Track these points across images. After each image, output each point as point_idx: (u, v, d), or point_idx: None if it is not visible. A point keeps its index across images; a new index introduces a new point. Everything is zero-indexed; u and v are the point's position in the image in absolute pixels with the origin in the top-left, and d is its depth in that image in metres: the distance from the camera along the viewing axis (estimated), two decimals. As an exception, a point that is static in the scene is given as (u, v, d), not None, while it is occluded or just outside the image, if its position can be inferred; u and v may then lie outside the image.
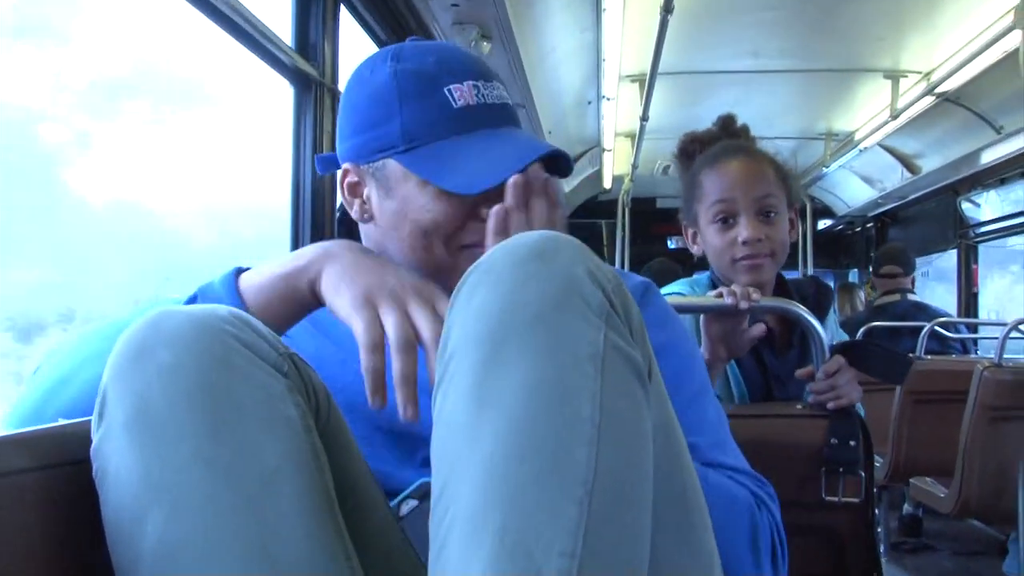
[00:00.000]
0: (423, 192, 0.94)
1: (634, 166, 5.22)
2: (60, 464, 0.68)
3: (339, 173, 1.02)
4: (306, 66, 1.98)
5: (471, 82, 0.96)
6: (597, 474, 0.60)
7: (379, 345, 0.75)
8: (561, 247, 0.68)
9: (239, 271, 0.86)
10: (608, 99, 4.01)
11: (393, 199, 0.96)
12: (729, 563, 0.80)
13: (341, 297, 0.79)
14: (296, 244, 2.01)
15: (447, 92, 0.94)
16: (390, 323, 0.76)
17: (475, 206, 0.93)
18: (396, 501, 0.87)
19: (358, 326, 0.76)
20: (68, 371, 0.82)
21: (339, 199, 1.05)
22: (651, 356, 0.71)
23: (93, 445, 0.66)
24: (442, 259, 0.95)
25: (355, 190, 1.00)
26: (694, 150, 1.75)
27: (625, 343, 0.67)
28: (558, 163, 0.98)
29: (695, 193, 1.59)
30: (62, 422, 0.76)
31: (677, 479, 0.71)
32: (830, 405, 1.36)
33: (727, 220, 1.53)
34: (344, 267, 0.81)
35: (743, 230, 1.50)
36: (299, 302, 0.84)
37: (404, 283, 0.79)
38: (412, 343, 0.75)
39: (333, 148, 2.03)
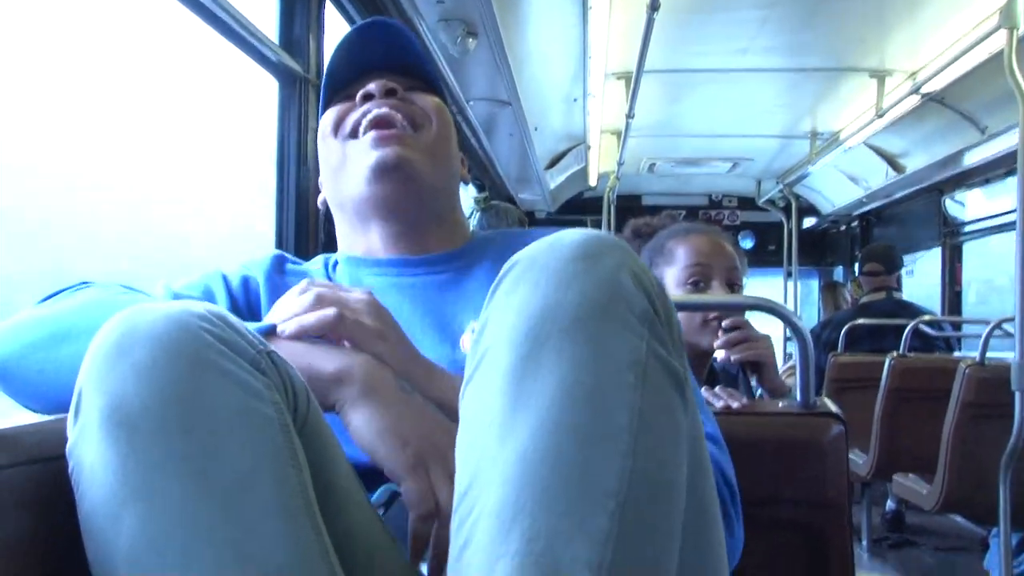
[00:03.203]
0: (326, 112, 1.13)
1: (620, 163, 5.22)
2: (36, 461, 0.68)
3: None
4: (291, 62, 1.97)
5: (370, 23, 1.11)
6: (631, 486, 0.59)
7: (433, 514, 0.75)
8: (606, 248, 0.67)
9: None
10: (594, 96, 4.00)
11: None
12: None
13: (387, 447, 0.77)
14: (280, 240, 2.01)
15: (348, 36, 1.12)
16: (444, 493, 0.74)
17: (351, 99, 1.10)
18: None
19: (413, 493, 0.75)
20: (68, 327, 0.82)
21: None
22: (687, 364, 0.70)
23: (69, 443, 0.65)
24: (337, 153, 1.10)
25: None
26: (647, 232, 2.01)
27: (666, 352, 0.66)
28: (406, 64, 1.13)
29: (664, 259, 1.75)
30: (40, 419, 0.76)
31: (699, 488, 0.70)
32: (735, 357, 1.53)
33: (698, 283, 1.69)
34: (386, 409, 0.79)
35: (717, 293, 1.67)
36: None
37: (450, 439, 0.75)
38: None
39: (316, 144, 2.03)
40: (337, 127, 1.10)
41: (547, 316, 0.63)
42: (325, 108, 1.14)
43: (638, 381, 0.62)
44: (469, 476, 0.62)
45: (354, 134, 1.08)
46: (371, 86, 1.08)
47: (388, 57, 1.12)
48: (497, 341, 0.65)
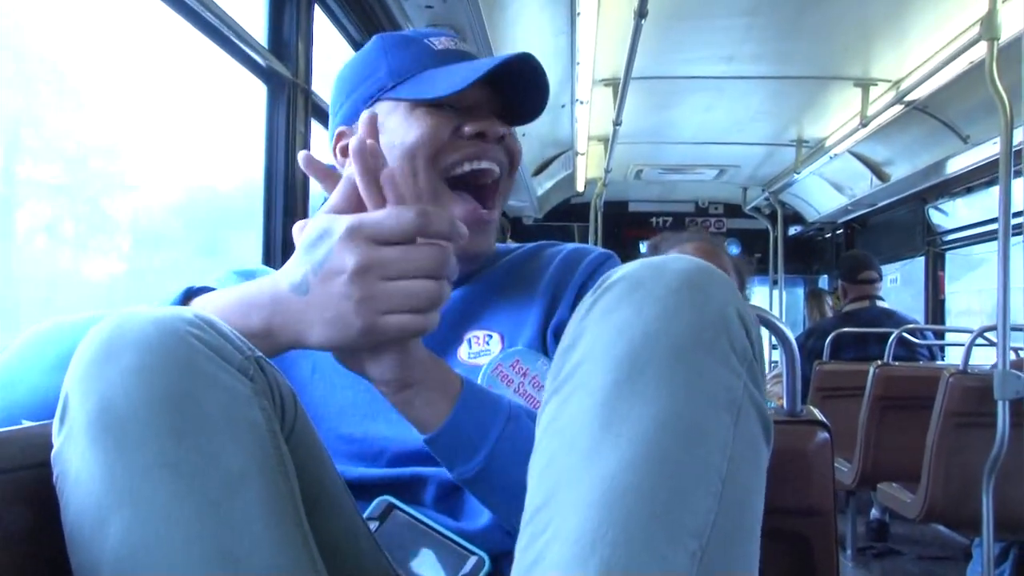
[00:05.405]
0: (409, 116, 1.00)
1: (607, 170, 5.24)
2: (19, 468, 0.67)
3: (332, 145, 1.08)
4: (280, 66, 1.97)
5: (447, 37, 1.03)
6: (714, 528, 0.58)
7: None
8: (715, 281, 0.66)
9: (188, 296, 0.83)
10: (582, 103, 4.01)
11: (383, 135, 0.98)
12: None
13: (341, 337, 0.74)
14: (268, 246, 2.00)
15: (427, 41, 1.03)
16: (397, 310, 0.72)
17: (458, 125, 0.99)
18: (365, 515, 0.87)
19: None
20: (14, 375, 0.81)
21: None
22: None
23: (54, 449, 0.64)
24: (426, 188, 0.99)
25: (346, 151, 1.05)
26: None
27: (760, 394, 0.65)
28: (525, 105, 1.05)
29: None
30: (26, 424, 0.75)
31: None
32: None
33: None
34: (305, 312, 0.74)
35: None
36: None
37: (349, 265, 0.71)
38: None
39: (306, 148, 2.03)
40: (435, 154, 1.00)
41: (650, 342, 0.62)
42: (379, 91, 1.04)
43: (732, 422, 0.62)
44: (546, 492, 0.61)
45: (447, 175, 1.01)
46: (485, 125, 1.00)
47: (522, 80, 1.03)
48: (592, 359, 0.64)
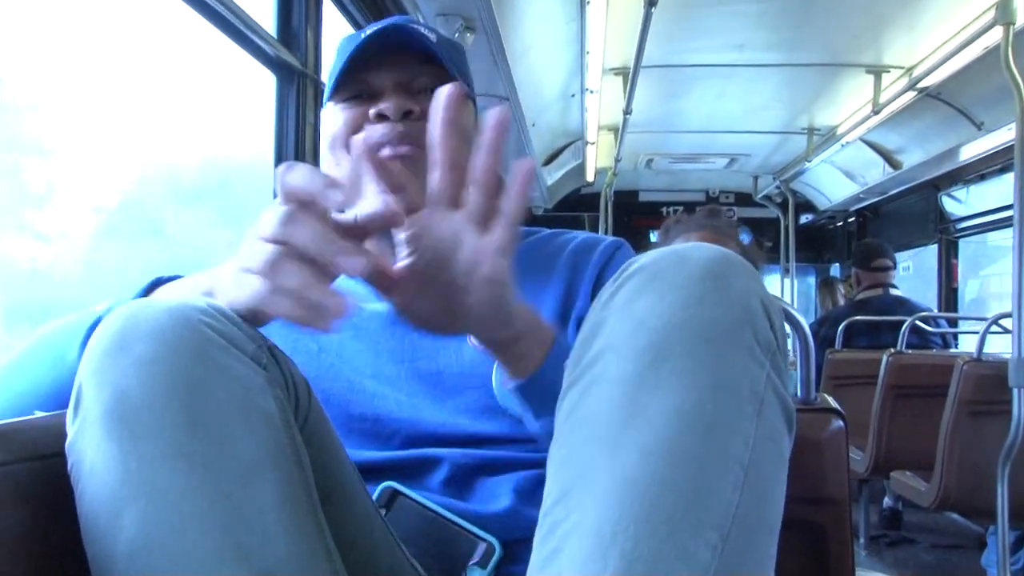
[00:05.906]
0: (331, 114, 1.05)
1: (617, 159, 5.22)
2: (33, 458, 0.67)
3: None
4: (289, 56, 1.96)
5: (390, 23, 1.01)
6: (735, 521, 0.57)
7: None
8: (737, 270, 0.65)
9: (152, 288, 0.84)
10: (591, 92, 4.00)
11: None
12: None
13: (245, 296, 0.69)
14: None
15: (362, 34, 1.02)
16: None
17: (366, 111, 1.00)
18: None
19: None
20: (15, 376, 0.82)
21: None
22: None
23: (68, 439, 0.64)
24: (345, 168, 1.02)
25: None
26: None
27: (783, 385, 0.65)
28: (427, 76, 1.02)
29: None
30: (38, 414, 0.75)
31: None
32: None
33: None
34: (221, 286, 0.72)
35: None
36: None
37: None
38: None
39: (316, 138, 2.03)
40: (346, 141, 1.02)
41: (672, 332, 0.62)
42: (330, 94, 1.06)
43: (755, 413, 0.61)
44: (567, 482, 0.61)
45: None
46: (384, 106, 0.99)
47: (402, 49, 1.02)
48: (614, 348, 0.63)
